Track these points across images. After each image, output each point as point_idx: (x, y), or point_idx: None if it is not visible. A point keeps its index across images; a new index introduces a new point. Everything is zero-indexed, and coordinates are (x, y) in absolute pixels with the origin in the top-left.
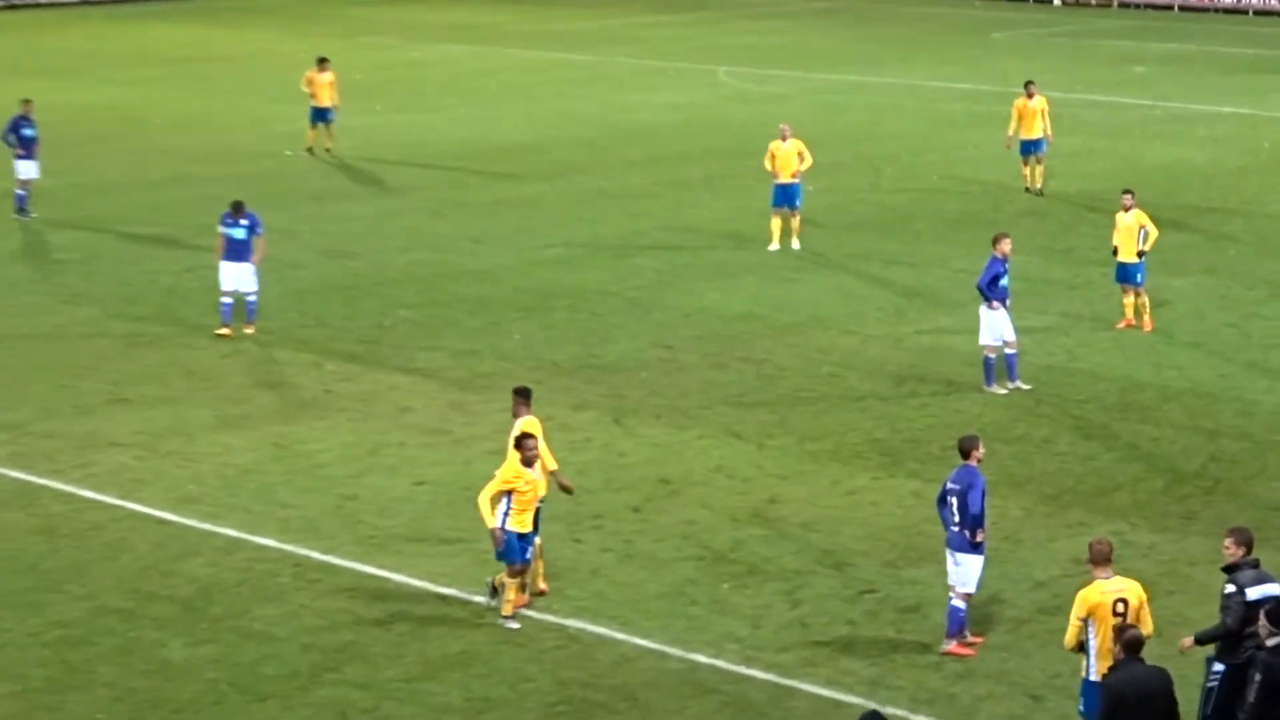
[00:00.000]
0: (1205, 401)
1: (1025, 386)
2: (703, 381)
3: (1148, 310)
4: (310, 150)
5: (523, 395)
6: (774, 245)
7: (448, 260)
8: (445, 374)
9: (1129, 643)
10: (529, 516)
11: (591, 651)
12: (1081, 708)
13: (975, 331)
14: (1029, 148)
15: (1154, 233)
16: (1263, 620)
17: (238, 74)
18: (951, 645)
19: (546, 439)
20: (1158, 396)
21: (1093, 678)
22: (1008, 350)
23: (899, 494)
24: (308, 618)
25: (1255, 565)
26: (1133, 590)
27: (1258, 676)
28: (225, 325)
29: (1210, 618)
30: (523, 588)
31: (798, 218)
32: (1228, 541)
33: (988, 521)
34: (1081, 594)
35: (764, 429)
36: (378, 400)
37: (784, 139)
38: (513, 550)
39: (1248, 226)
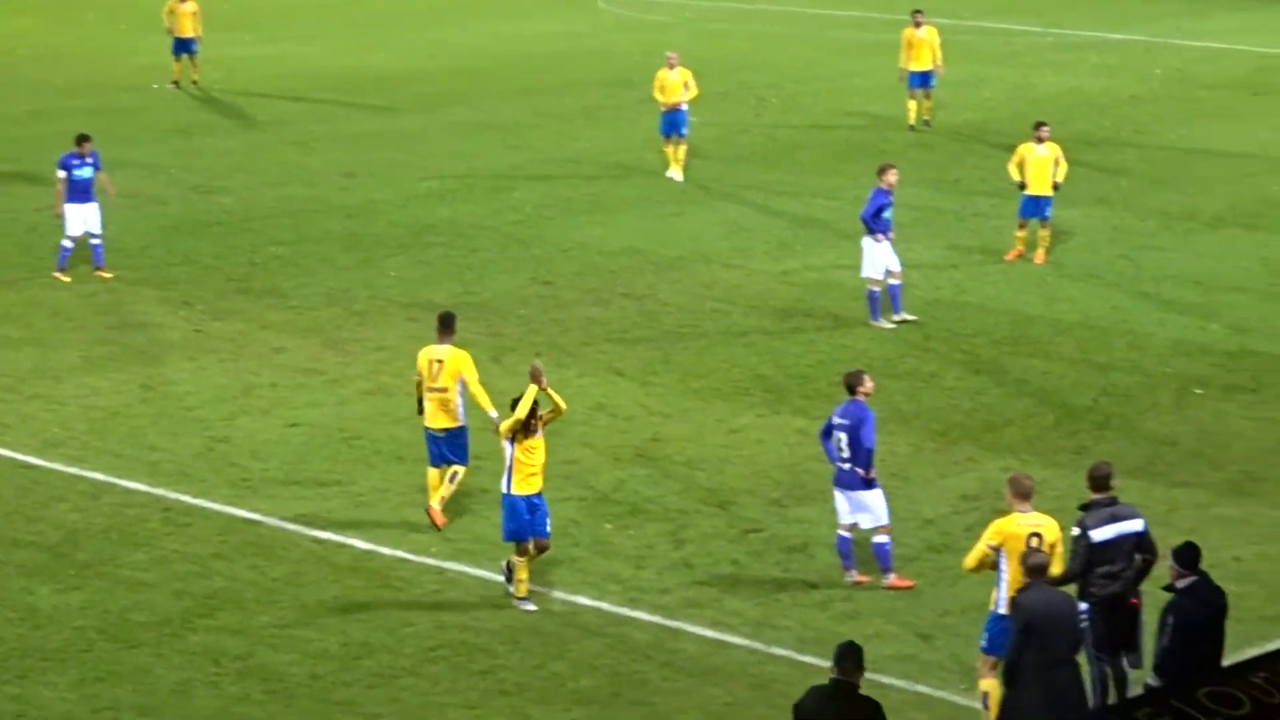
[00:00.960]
0: (1097, 335)
1: (911, 318)
2: (584, 318)
3: (1047, 244)
4: (176, 84)
5: (445, 323)
6: (671, 171)
7: (320, 195)
8: (318, 312)
9: (1035, 567)
10: (537, 479)
11: (470, 596)
12: (984, 643)
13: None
14: (917, 80)
15: (1065, 165)
16: (1171, 563)
17: (102, 4)
18: (891, 579)
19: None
20: (1049, 330)
21: (1001, 610)
22: (892, 281)
23: (784, 432)
24: (179, 563)
25: (1111, 503)
26: (1049, 527)
27: (1170, 619)
28: (63, 270)
29: None
30: (526, 557)
31: (684, 147)
32: (1089, 478)
33: (875, 458)
34: (997, 523)
35: (647, 366)
36: (249, 340)
37: (670, 67)
38: (520, 522)
39: (1140, 157)
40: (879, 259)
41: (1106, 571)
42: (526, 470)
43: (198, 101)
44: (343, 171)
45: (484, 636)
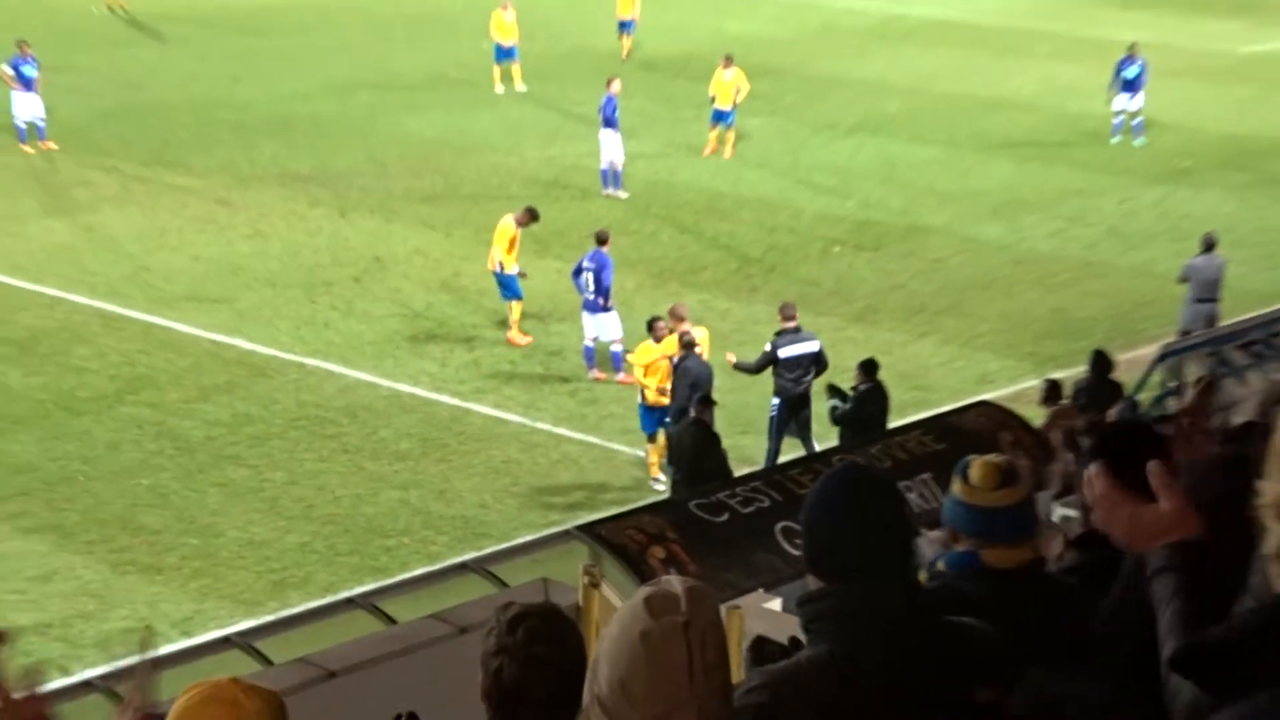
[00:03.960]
0: (767, 207)
1: (623, 195)
2: (405, 188)
3: (731, 143)
4: None
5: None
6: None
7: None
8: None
9: (689, 343)
10: (666, 397)
11: (323, 383)
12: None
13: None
14: (626, 26)
15: (746, 88)
16: (857, 371)
17: None
18: (621, 377)
19: None
20: (733, 203)
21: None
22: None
23: (547, 272)
24: (112, 356)
25: (796, 330)
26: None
27: (852, 404)
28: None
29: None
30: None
31: None
32: (779, 313)
33: (611, 291)
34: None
35: (449, 223)
36: (163, 193)
37: None
38: (652, 422)
39: (800, 83)
40: (611, 147)
41: (794, 377)
42: (655, 389)
43: None
44: None
45: (332, 411)
